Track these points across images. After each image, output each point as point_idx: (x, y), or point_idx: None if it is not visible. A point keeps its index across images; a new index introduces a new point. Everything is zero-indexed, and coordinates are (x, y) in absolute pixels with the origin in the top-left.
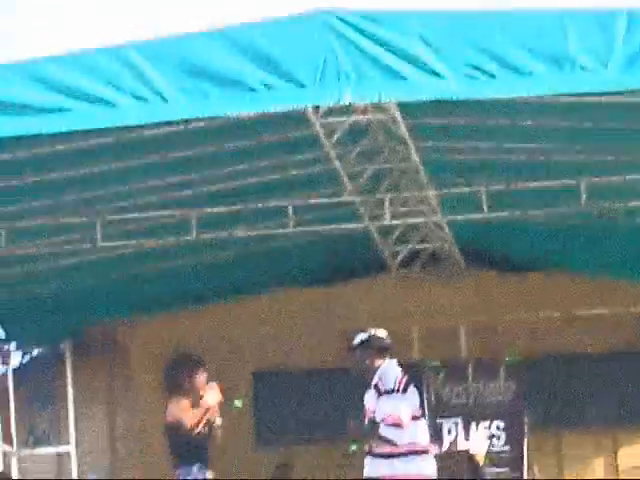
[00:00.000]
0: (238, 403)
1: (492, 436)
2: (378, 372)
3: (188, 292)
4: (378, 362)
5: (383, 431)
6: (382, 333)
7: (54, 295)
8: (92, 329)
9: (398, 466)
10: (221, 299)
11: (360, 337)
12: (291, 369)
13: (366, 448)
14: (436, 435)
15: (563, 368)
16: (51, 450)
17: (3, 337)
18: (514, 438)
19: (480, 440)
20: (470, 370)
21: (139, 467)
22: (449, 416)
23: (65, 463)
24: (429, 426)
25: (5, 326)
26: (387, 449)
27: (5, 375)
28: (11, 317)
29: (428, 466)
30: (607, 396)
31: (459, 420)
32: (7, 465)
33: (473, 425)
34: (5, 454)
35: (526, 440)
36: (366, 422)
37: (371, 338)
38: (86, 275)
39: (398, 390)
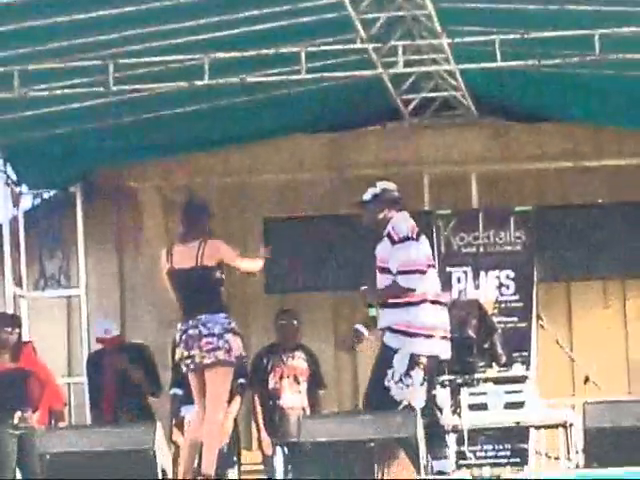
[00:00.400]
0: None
1: (501, 285)
2: (391, 223)
3: (199, 137)
4: (390, 214)
5: (401, 281)
6: (392, 186)
7: (66, 138)
8: (103, 173)
9: (414, 313)
10: (232, 145)
11: (371, 191)
12: (302, 215)
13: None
14: (445, 284)
15: (574, 218)
16: (61, 293)
17: (14, 180)
18: (523, 287)
19: (489, 289)
20: (481, 219)
21: (148, 309)
22: (459, 265)
23: (75, 306)
24: (439, 275)
25: (16, 169)
26: (402, 298)
27: (16, 218)
28: (22, 160)
29: (441, 315)
30: (617, 246)
31: (469, 269)
32: (17, 307)
33: (482, 274)
34: (15, 296)
35: (535, 290)
36: (378, 275)
37: (382, 191)
38: (98, 118)
39: (412, 238)
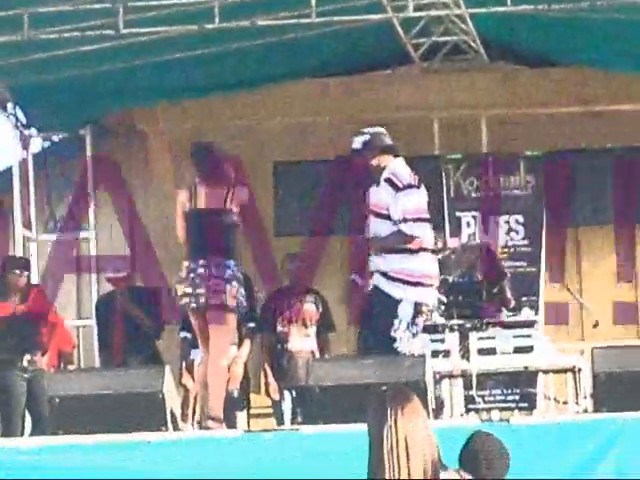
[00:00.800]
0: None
1: (510, 230)
2: (388, 169)
3: (209, 81)
4: (384, 161)
5: (406, 228)
6: (382, 131)
7: (75, 81)
8: (112, 116)
9: (415, 262)
10: (241, 88)
11: (360, 139)
12: (312, 160)
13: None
14: (455, 228)
15: (583, 163)
16: (70, 236)
17: (24, 123)
18: (533, 232)
19: (498, 234)
20: (490, 163)
21: (158, 251)
22: (468, 209)
23: (84, 248)
24: (448, 219)
25: (26, 112)
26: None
27: (25, 161)
28: (32, 103)
29: (436, 264)
30: (627, 192)
31: (478, 214)
32: (26, 250)
33: (492, 219)
34: (25, 239)
35: (544, 235)
36: (368, 217)
37: (372, 137)
38: (108, 62)
39: (415, 185)
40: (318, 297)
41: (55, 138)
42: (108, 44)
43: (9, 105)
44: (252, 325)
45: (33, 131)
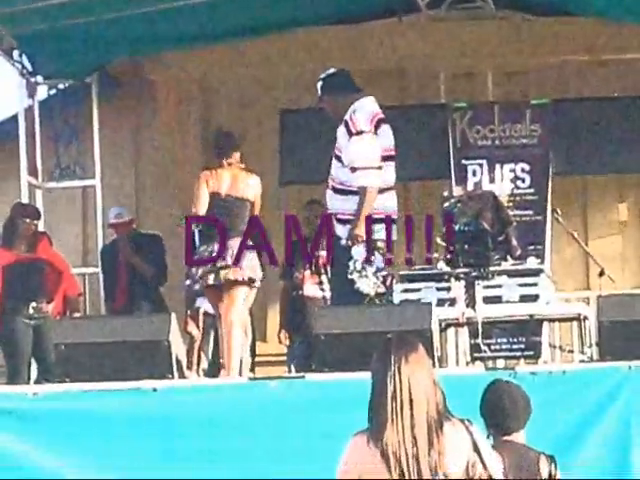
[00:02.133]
0: None
1: (517, 178)
2: (350, 109)
3: (215, 29)
4: (350, 99)
5: (353, 179)
6: (343, 71)
7: (81, 29)
8: (119, 64)
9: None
10: (247, 37)
11: (318, 84)
12: (318, 107)
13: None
14: (461, 177)
15: (590, 112)
16: (76, 183)
17: (30, 70)
18: (539, 181)
19: (504, 182)
20: (496, 112)
21: (162, 200)
22: (474, 158)
23: (90, 196)
24: (455, 168)
25: (31, 59)
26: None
27: (31, 108)
28: (37, 50)
29: (392, 201)
30: (634, 141)
31: (484, 162)
32: (32, 197)
33: (498, 167)
34: (30, 187)
35: (550, 184)
36: (333, 161)
37: (330, 76)
38: (114, 9)
39: (369, 131)
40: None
41: (61, 86)
42: None
43: (15, 52)
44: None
45: (39, 78)
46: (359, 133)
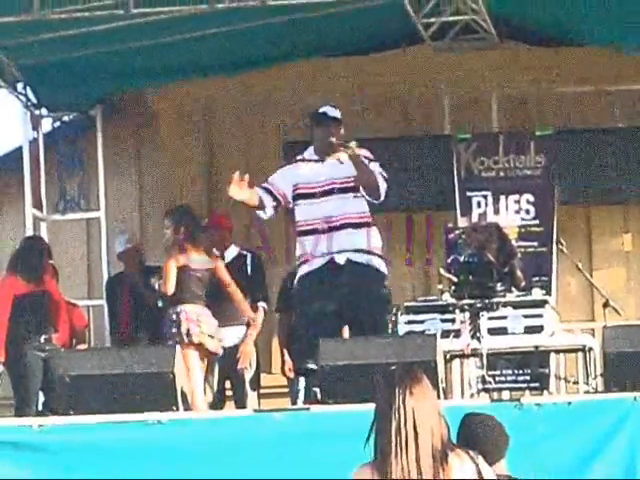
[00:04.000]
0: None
1: (521, 209)
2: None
3: (219, 60)
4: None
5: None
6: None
7: (86, 61)
8: (122, 95)
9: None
10: (252, 67)
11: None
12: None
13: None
14: (465, 208)
15: (594, 142)
16: (81, 215)
17: (34, 102)
18: (543, 212)
19: (509, 213)
20: (501, 143)
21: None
22: (479, 189)
23: (94, 227)
24: (459, 199)
25: (36, 92)
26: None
27: (35, 141)
28: (42, 83)
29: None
30: (637, 171)
31: (489, 193)
32: (37, 230)
33: (502, 198)
34: (35, 219)
35: (555, 214)
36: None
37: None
38: (118, 41)
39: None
40: None
41: (65, 118)
42: (118, 24)
43: (19, 85)
44: (263, 305)
45: (43, 111)
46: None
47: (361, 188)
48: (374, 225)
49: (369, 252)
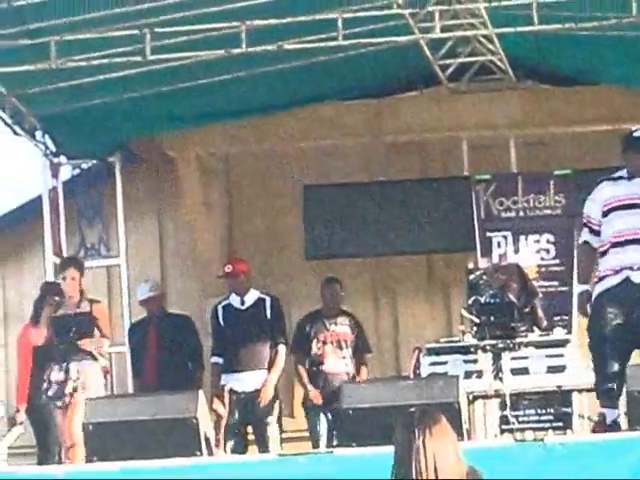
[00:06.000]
0: None
1: (541, 249)
2: None
3: (237, 105)
4: None
5: None
6: None
7: (104, 108)
8: (141, 142)
9: None
10: (270, 112)
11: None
12: (342, 183)
13: None
14: (486, 248)
15: None
16: (101, 262)
17: (53, 151)
18: (564, 252)
19: (530, 253)
20: (520, 183)
21: (189, 277)
22: (499, 230)
23: (115, 274)
24: (479, 239)
25: (55, 140)
26: None
27: (55, 188)
28: (61, 131)
29: None
30: None
31: (509, 233)
32: (58, 278)
33: (523, 238)
34: (56, 267)
35: (576, 253)
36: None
37: None
38: (135, 88)
39: None
40: (353, 319)
41: (84, 165)
42: (136, 70)
43: (38, 133)
44: (283, 348)
45: (62, 159)
46: None
47: None
48: None
49: None
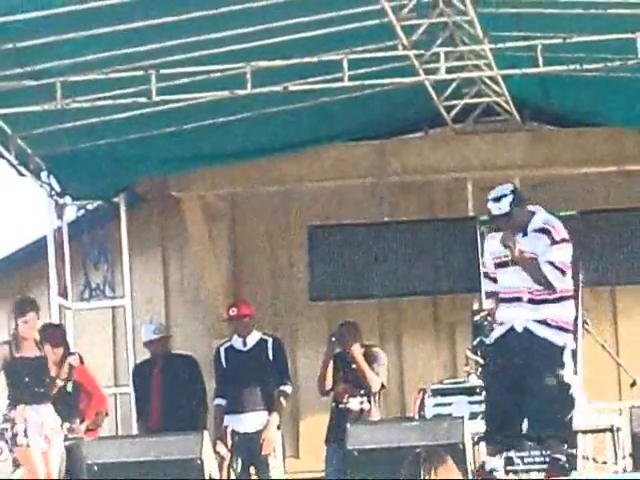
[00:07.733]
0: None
1: None
2: (543, 219)
3: (242, 146)
4: (526, 210)
5: (549, 273)
6: (509, 184)
7: (109, 149)
8: (146, 183)
9: (568, 308)
10: (275, 153)
11: (504, 201)
12: (346, 223)
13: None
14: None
15: (618, 222)
16: (106, 303)
17: (58, 191)
18: None
19: None
20: None
21: (193, 317)
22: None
23: (120, 315)
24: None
25: (60, 180)
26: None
27: (60, 229)
28: (65, 171)
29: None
30: None
31: None
32: (62, 318)
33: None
34: (60, 308)
35: (581, 294)
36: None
37: (515, 193)
38: (141, 129)
39: (567, 240)
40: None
41: (89, 206)
42: (141, 111)
43: (43, 174)
44: (285, 389)
45: (67, 199)
46: (564, 241)
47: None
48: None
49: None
